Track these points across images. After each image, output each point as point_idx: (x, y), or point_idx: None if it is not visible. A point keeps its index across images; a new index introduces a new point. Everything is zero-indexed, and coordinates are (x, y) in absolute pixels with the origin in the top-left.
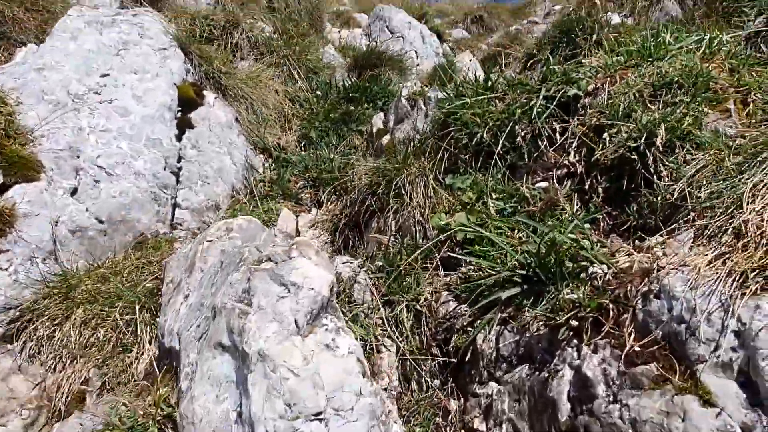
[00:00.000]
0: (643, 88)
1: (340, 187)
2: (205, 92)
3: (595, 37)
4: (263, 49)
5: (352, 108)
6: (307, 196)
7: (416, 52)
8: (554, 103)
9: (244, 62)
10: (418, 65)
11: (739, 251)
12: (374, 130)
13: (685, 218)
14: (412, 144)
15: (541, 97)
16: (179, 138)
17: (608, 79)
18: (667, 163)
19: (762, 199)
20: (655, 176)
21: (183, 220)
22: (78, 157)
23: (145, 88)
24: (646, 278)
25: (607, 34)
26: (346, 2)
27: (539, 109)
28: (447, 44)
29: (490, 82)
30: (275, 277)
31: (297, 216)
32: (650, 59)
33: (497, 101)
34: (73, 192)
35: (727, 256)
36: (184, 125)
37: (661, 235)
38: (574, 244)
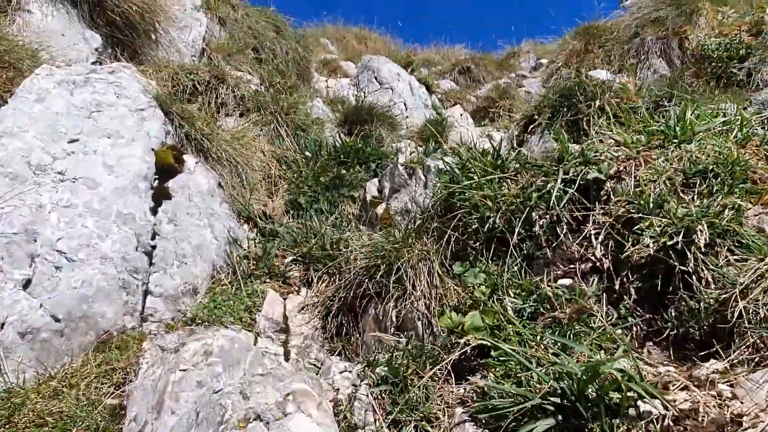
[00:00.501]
0: (673, 175)
1: (333, 265)
2: (185, 156)
3: (597, 102)
4: (250, 105)
5: (344, 171)
6: (296, 274)
7: (405, 104)
8: (574, 188)
9: (230, 119)
10: (407, 117)
11: None
12: (368, 197)
13: (747, 343)
14: (413, 221)
15: (559, 180)
16: (155, 211)
17: (632, 161)
18: (709, 265)
19: None
20: (695, 279)
21: (155, 309)
22: (35, 240)
23: (119, 155)
24: None
25: (610, 99)
26: (333, 50)
27: (557, 194)
28: (436, 96)
29: (500, 160)
30: None
31: (285, 298)
32: (675, 141)
33: (509, 182)
34: (26, 284)
35: None
36: (160, 196)
37: (719, 361)
38: (620, 374)
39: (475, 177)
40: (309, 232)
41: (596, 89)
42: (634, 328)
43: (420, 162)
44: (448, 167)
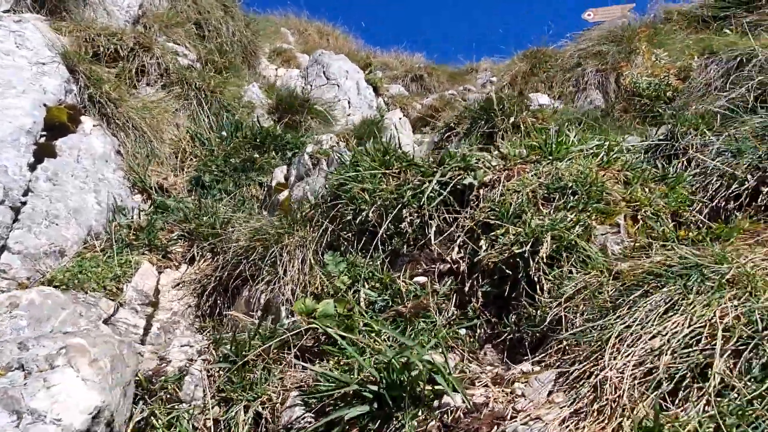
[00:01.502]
0: (537, 189)
1: (219, 244)
2: (83, 118)
3: (513, 119)
4: (174, 78)
5: (257, 155)
6: (179, 249)
7: (349, 102)
8: (447, 190)
9: (150, 89)
10: (349, 115)
11: (594, 415)
12: (274, 183)
13: (555, 348)
14: (303, 209)
15: (434, 181)
16: (33, 167)
17: (506, 172)
18: (549, 275)
19: (624, 356)
20: (538, 287)
21: (9, 267)
22: None
23: (4, 105)
24: (496, 426)
25: (525, 117)
26: (292, 41)
27: (431, 194)
28: (383, 98)
29: (387, 156)
30: (9, 401)
31: (161, 272)
32: (550, 157)
33: (391, 178)
34: None
35: (581, 418)
36: (44, 153)
37: (528, 361)
38: (429, 366)
39: (361, 170)
40: (202, 209)
41: (514, 107)
42: (478, 330)
43: (326, 153)
44: (343, 160)
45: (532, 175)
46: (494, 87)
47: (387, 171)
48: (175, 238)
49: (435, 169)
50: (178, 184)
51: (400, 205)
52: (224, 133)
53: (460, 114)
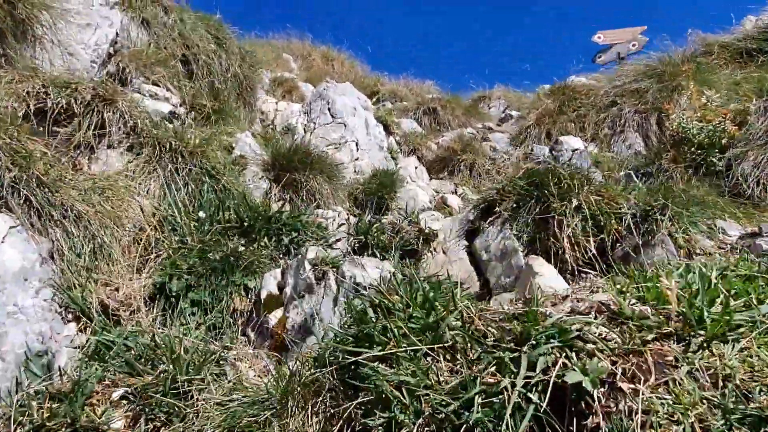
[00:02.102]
0: (708, 415)
1: (179, 419)
2: None
3: (574, 201)
4: (144, 138)
5: (243, 247)
6: (118, 425)
7: (357, 144)
8: (542, 399)
9: (112, 152)
10: (357, 159)
11: None
12: (264, 294)
13: None
14: (298, 373)
15: (519, 379)
16: None
17: (633, 361)
18: None
19: None
20: None
21: None
22: None
23: None
24: None
25: (588, 197)
26: (294, 68)
27: (513, 407)
28: (394, 137)
29: (433, 316)
30: None
31: None
32: (701, 333)
33: (444, 358)
34: None
35: None
36: None
37: None
38: None
39: (391, 341)
40: (158, 349)
41: (573, 182)
42: None
43: (334, 264)
44: (359, 304)
45: (685, 375)
46: (518, 124)
47: (438, 346)
48: (116, 400)
49: (517, 353)
50: (134, 297)
51: (464, 427)
52: (202, 214)
53: (503, 187)
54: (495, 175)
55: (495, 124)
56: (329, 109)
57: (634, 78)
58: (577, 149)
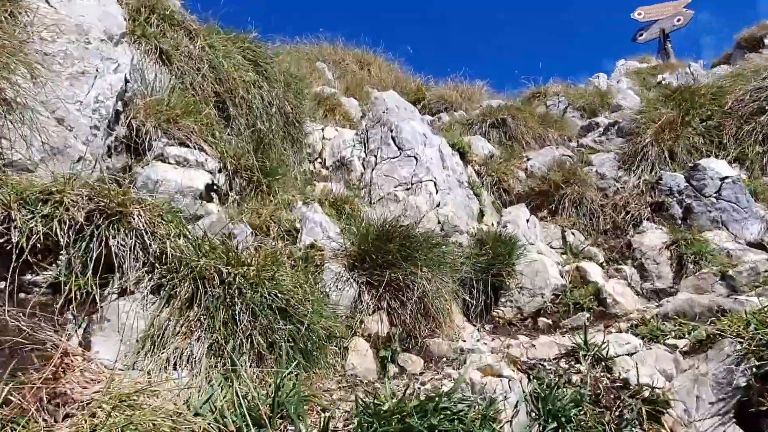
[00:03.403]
0: None
1: None
2: None
3: None
4: (175, 269)
5: None
6: None
7: (435, 183)
8: None
9: (125, 303)
10: (438, 206)
11: None
12: None
13: None
14: None
15: None
16: None
17: None
18: None
19: None
20: None
21: None
22: None
23: None
24: None
25: None
26: (331, 78)
27: None
28: (473, 166)
29: None
30: None
31: None
32: None
33: None
34: None
35: None
36: None
37: None
38: None
39: None
40: None
41: None
42: None
43: None
44: None
45: None
46: (628, 144)
47: None
48: None
49: None
50: None
51: None
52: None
53: None
54: (610, 213)
55: (577, 135)
56: (393, 138)
57: None
58: (727, 177)
